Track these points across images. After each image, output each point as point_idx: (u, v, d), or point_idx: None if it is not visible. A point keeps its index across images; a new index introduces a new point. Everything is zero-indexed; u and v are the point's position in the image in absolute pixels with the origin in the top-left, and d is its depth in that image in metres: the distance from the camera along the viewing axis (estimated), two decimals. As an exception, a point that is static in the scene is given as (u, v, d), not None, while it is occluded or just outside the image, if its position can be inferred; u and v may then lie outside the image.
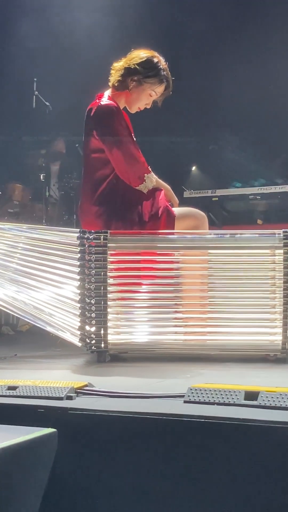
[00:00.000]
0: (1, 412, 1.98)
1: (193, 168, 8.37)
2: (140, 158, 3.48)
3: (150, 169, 3.50)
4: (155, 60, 3.54)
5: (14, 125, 7.48)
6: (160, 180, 3.54)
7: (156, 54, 3.58)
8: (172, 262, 3.29)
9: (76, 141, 6.64)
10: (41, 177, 6.69)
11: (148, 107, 3.64)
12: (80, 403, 2.00)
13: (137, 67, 3.51)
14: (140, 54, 3.56)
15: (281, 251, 3.13)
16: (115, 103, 3.51)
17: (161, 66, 3.54)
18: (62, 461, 1.83)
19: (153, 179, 3.48)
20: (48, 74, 6.90)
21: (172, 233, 3.33)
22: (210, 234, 3.37)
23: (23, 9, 7.54)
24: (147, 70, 3.52)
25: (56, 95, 6.87)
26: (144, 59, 3.53)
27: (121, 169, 3.43)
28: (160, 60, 3.56)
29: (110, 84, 3.59)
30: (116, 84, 3.56)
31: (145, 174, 3.45)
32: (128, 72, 3.52)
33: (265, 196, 5.94)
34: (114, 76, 3.57)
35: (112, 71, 3.59)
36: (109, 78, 3.60)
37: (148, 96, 3.57)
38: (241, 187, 6.22)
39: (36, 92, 6.55)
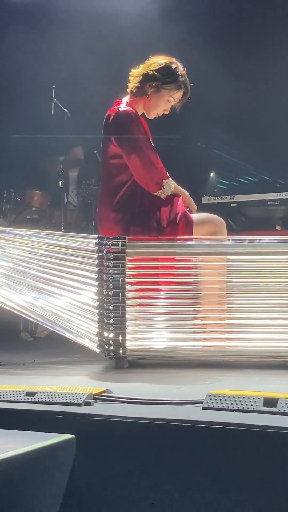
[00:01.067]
0: (20, 418, 1.99)
1: (212, 174, 8.35)
2: (158, 164, 3.48)
3: (168, 175, 3.50)
4: (173, 66, 3.55)
5: (33, 131, 7.50)
6: (178, 186, 3.54)
7: (174, 60, 3.59)
8: (190, 268, 3.28)
9: (95, 147, 6.66)
10: (60, 184, 6.71)
11: (167, 113, 3.64)
12: (99, 409, 2.00)
13: (155, 73, 3.52)
14: (158, 61, 3.56)
15: (300, 257, 3.11)
16: (133, 109, 3.51)
17: (179, 72, 3.54)
18: (80, 467, 1.82)
19: (171, 185, 3.48)
20: (66, 81, 6.93)
21: (191, 239, 3.32)
22: (229, 240, 3.36)
23: (42, 17, 7.59)
24: (165, 76, 3.52)
25: (74, 102, 6.89)
26: (162, 65, 3.54)
27: (140, 175, 3.44)
28: (178, 66, 3.56)
29: (128, 90, 3.60)
30: (134, 91, 3.57)
31: (163, 180, 3.46)
32: (147, 78, 3.53)
33: (284, 202, 5.91)
34: (133, 82, 3.58)
35: (130, 78, 3.60)
36: (127, 84, 3.61)
37: (166, 102, 3.58)
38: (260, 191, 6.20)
39: (55, 99, 6.57)
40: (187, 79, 3.58)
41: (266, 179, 7.42)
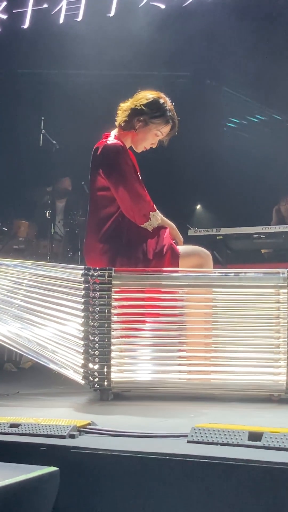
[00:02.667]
0: (3, 450, 1.97)
1: (198, 206, 8.41)
2: (145, 197, 3.50)
3: (155, 208, 3.52)
4: (161, 101, 3.59)
5: (21, 162, 7.54)
6: (165, 218, 3.56)
7: (162, 95, 3.63)
8: (176, 300, 3.28)
9: (82, 178, 6.69)
10: (47, 214, 6.73)
11: (154, 146, 3.68)
12: (83, 441, 1.99)
13: (144, 107, 3.56)
14: (146, 95, 3.61)
15: (286, 290, 3.12)
16: (122, 142, 3.55)
17: (167, 107, 3.58)
18: (64, 500, 1.81)
19: (158, 217, 3.50)
20: (55, 113, 6.98)
21: (177, 271, 3.33)
22: (215, 272, 3.38)
23: (30, 49, 7.67)
24: (154, 111, 3.56)
25: (63, 134, 6.94)
26: (150, 100, 3.58)
27: (127, 207, 3.46)
28: (166, 101, 3.61)
29: (116, 124, 3.64)
30: (122, 124, 3.61)
31: (150, 212, 3.48)
32: (135, 113, 3.57)
33: (270, 235, 5.95)
34: (121, 116, 3.61)
35: (118, 112, 3.64)
36: (116, 118, 3.65)
37: (154, 136, 3.61)
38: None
39: (43, 130, 6.61)
40: (175, 113, 3.62)
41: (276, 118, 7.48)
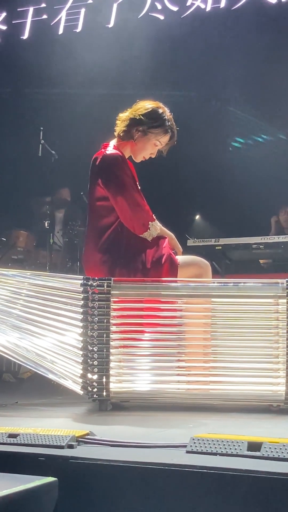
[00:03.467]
0: (2, 460, 1.97)
1: (197, 217, 8.42)
2: (144, 206, 3.51)
3: (154, 217, 3.53)
4: (160, 111, 3.60)
5: (20, 172, 7.56)
6: (164, 228, 3.57)
7: (161, 105, 3.64)
8: (175, 310, 3.28)
9: (81, 189, 6.70)
10: (46, 224, 6.73)
11: (153, 156, 3.68)
12: (81, 452, 1.99)
13: (142, 117, 3.57)
14: (145, 105, 3.62)
15: (285, 300, 3.13)
16: (121, 152, 3.55)
17: (166, 117, 3.60)
18: (63, 510, 1.80)
19: (157, 227, 3.51)
20: (54, 123, 7.00)
21: (176, 281, 3.33)
22: (214, 282, 3.38)
23: (30, 59, 7.69)
24: (152, 120, 3.57)
25: (62, 144, 6.95)
26: (149, 110, 3.59)
27: (126, 217, 3.46)
28: (165, 111, 3.62)
29: (115, 134, 3.65)
30: (121, 134, 3.61)
31: (150, 222, 3.48)
32: (134, 123, 3.58)
33: (268, 246, 5.96)
34: (120, 126, 3.62)
35: (117, 121, 3.65)
36: (115, 128, 3.66)
37: (153, 146, 3.62)
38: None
39: (42, 140, 6.63)
40: (174, 123, 3.63)
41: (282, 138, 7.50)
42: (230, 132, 8.13)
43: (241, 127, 8.14)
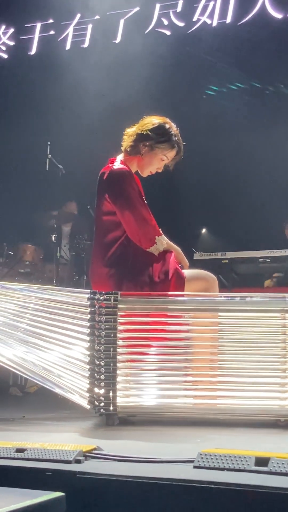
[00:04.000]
0: (9, 474, 1.97)
1: (203, 230, 8.43)
2: (151, 221, 3.52)
3: (161, 232, 3.53)
4: (167, 126, 3.62)
5: (27, 186, 7.59)
6: (170, 242, 3.57)
7: (167, 120, 3.66)
8: (182, 324, 3.28)
9: (88, 202, 6.72)
10: (53, 238, 6.75)
11: (160, 171, 3.70)
12: (89, 466, 1.98)
13: (149, 133, 3.59)
14: (152, 120, 3.64)
15: (292, 314, 3.12)
16: (127, 167, 3.57)
17: (172, 132, 3.61)
18: (69, 526, 1.80)
19: (163, 241, 3.51)
20: (61, 138, 7.04)
21: (182, 295, 3.34)
22: (220, 296, 3.38)
23: (38, 74, 7.75)
24: (159, 136, 3.59)
25: (69, 159, 6.98)
26: (156, 125, 3.61)
27: (132, 231, 3.47)
28: (172, 126, 3.64)
29: (122, 149, 3.67)
30: (128, 149, 3.63)
31: (156, 237, 3.49)
32: (140, 138, 3.60)
33: (275, 259, 5.96)
34: (127, 141, 3.64)
35: (124, 137, 3.67)
36: (122, 143, 3.68)
37: (160, 160, 3.64)
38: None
39: (50, 155, 6.66)
40: (180, 138, 3.65)
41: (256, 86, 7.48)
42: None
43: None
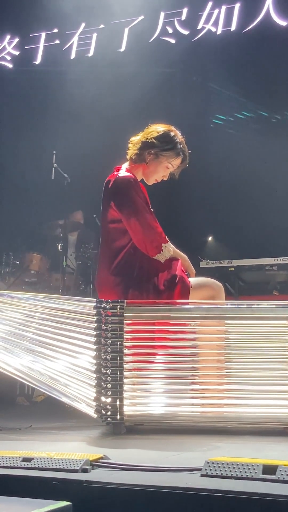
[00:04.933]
0: (16, 484, 1.96)
1: (210, 238, 8.42)
2: (157, 228, 3.52)
3: (167, 239, 3.53)
4: (172, 134, 3.62)
5: (33, 195, 7.60)
6: (177, 250, 3.57)
7: (173, 128, 3.67)
8: (188, 332, 3.27)
9: (94, 211, 6.73)
10: (59, 247, 6.75)
11: (165, 179, 3.70)
12: (96, 475, 1.97)
13: (154, 141, 3.59)
14: (157, 128, 3.64)
15: (298, 322, 3.11)
16: (133, 175, 3.57)
17: (177, 140, 3.62)
18: (77, 535, 1.79)
19: (170, 248, 3.51)
20: (66, 147, 7.05)
21: (188, 303, 3.33)
22: (227, 304, 3.37)
23: (43, 82, 7.78)
24: (164, 143, 3.59)
25: (74, 168, 6.99)
26: (161, 133, 3.61)
27: (139, 239, 3.47)
28: (177, 134, 3.64)
29: (127, 157, 3.67)
30: (133, 157, 3.64)
31: (163, 244, 3.49)
32: (146, 146, 3.60)
33: (282, 267, 5.94)
34: (132, 149, 3.65)
35: (130, 145, 3.68)
36: (127, 151, 3.68)
37: (165, 168, 3.64)
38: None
39: (55, 164, 6.67)
40: (186, 146, 3.65)
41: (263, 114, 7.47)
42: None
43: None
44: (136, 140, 3.66)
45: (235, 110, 7.85)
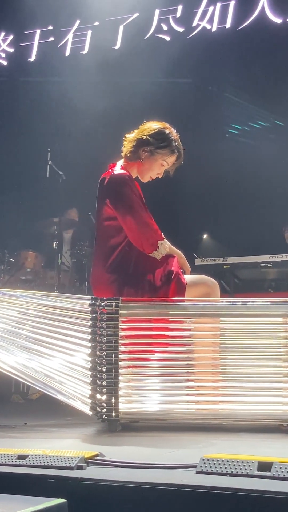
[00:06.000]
0: (11, 481, 1.96)
1: (205, 236, 8.42)
2: (153, 225, 3.52)
3: (163, 236, 3.53)
4: (167, 131, 3.62)
5: (28, 193, 7.59)
6: (173, 247, 3.57)
7: (167, 125, 3.66)
8: (183, 329, 3.28)
9: (89, 209, 6.72)
10: (54, 245, 6.75)
11: (160, 176, 3.70)
12: (91, 473, 1.97)
13: (149, 138, 3.59)
14: (152, 126, 3.64)
15: (293, 319, 3.12)
16: (128, 172, 3.57)
17: (172, 137, 3.61)
18: (72, 533, 1.79)
19: (166, 246, 3.51)
20: (61, 144, 7.04)
21: (184, 301, 3.33)
22: (222, 301, 3.37)
23: (37, 81, 7.76)
24: (159, 141, 3.59)
25: (69, 165, 6.98)
26: (156, 131, 3.61)
27: (134, 236, 3.47)
28: (172, 131, 3.64)
29: (122, 154, 3.67)
30: (128, 155, 3.63)
31: (158, 241, 3.49)
32: (141, 143, 3.60)
33: (277, 264, 5.95)
34: (127, 147, 3.64)
35: (124, 142, 3.67)
36: (122, 148, 3.68)
37: (160, 166, 3.64)
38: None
39: (50, 161, 6.66)
40: (180, 143, 3.65)
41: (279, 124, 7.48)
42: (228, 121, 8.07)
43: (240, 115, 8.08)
44: (131, 137, 3.66)
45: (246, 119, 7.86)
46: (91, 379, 3.19)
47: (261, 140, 7.59)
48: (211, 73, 7.66)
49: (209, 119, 7.49)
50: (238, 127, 7.99)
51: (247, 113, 7.84)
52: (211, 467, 1.91)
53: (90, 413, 3.22)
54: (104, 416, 3.16)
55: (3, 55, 8.28)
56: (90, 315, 3.22)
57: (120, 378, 3.16)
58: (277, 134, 7.54)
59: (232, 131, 7.95)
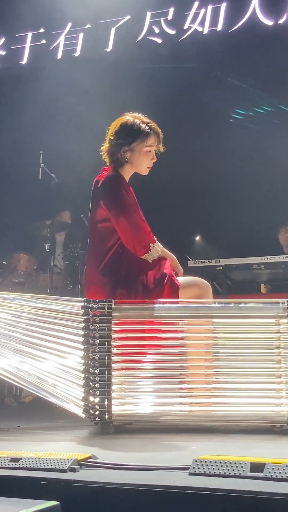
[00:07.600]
0: (4, 484, 1.96)
1: (197, 237, 8.43)
2: (145, 228, 3.52)
3: (155, 239, 3.53)
4: (128, 122, 3.57)
5: (20, 195, 7.58)
6: (165, 250, 3.57)
7: (126, 116, 3.59)
8: (176, 331, 3.28)
9: (81, 211, 6.72)
10: (46, 247, 6.74)
11: (155, 160, 3.63)
12: (84, 475, 1.98)
13: (118, 140, 3.55)
14: (114, 127, 3.58)
15: (286, 320, 3.12)
16: (121, 175, 3.57)
17: (136, 123, 3.55)
18: (65, 535, 1.79)
19: (158, 248, 3.51)
20: (54, 147, 7.03)
21: (177, 302, 3.33)
22: (215, 303, 3.38)
23: (30, 82, 7.76)
24: (127, 136, 3.53)
25: (62, 168, 6.98)
26: (118, 129, 3.56)
27: (127, 238, 3.47)
28: (133, 117, 3.57)
29: (109, 165, 3.63)
30: (113, 164, 3.59)
31: (151, 244, 3.48)
32: (115, 149, 3.55)
33: (269, 266, 5.96)
34: (107, 158, 3.61)
35: (103, 155, 3.64)
36: (106, 160, 3.64)
37: (146, 153, 3.58)
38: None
39: (42, 164, 6.66)
40: (148, 120, 3.59)
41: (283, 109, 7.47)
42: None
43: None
44: (105, 148, 3.63)
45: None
46: (84, 381, 3.19)
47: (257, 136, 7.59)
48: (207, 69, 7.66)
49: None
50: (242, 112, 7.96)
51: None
52: (203, 468, 1.92)
53: (83, 415, 3.22)
54: (97, 419, 3.16)
55: (-5, 58, 8.27)
56: (83, 317, 3.22)
57: (113, 380, 3.16)
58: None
59: (235, 116, 7.91)
